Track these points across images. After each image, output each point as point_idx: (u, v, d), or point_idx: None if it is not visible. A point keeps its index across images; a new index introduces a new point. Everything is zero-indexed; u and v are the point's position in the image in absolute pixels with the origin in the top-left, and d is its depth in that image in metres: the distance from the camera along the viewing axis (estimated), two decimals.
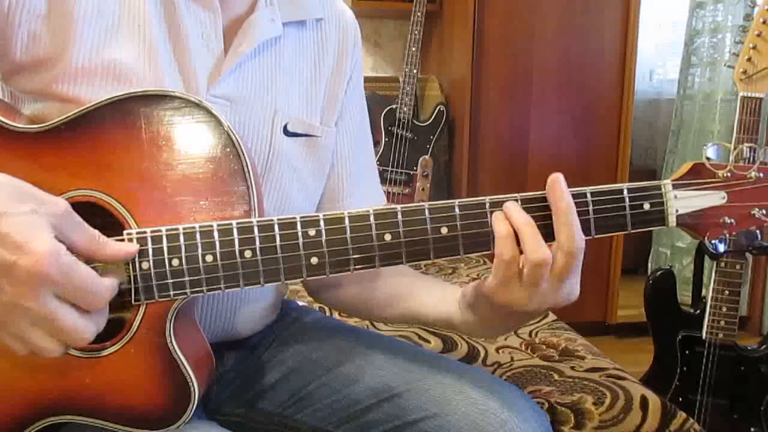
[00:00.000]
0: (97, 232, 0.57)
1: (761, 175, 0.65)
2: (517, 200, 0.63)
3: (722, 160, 0.66)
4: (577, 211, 0.63)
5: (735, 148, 0.65)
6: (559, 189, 0.62)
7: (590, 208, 0.64)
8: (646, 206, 0.65)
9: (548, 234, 0.62)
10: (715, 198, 0.65)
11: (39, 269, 0.50)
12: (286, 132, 0.78)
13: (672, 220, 0.65)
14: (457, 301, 0.74)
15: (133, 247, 0.59)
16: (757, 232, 0.65)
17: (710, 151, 0.66)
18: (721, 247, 0.66)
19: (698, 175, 0.65)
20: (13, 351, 0.54)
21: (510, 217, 0.62)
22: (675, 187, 0.65)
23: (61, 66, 0.67)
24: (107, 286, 0.55)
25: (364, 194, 0.90)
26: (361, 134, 0.90)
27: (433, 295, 0.79)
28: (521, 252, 0.61)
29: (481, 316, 0.70)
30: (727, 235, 0.65)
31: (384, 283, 0.84)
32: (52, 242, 0.51)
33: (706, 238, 0.65)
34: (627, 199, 0.64)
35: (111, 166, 0.62)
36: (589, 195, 0.64)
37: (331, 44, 0.84)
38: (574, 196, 0.63)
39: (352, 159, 0.88)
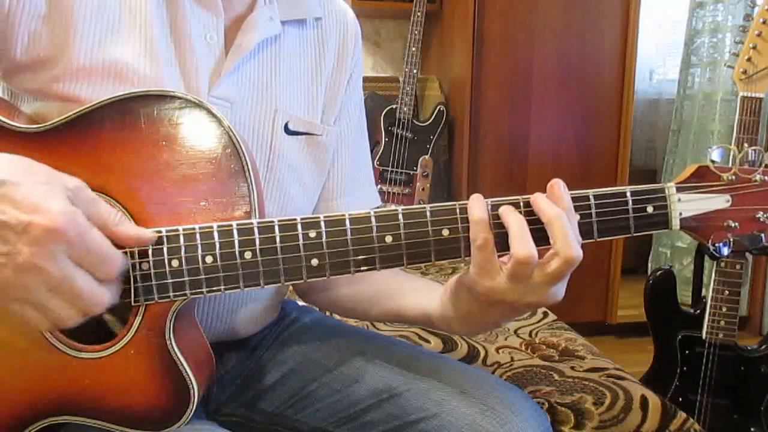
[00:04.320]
0: (114, 210, 0.57)
1: (766, 178, 0.65)
2: (518, 203, 0.63)
3: (726, 162, 0.66)
4: (580, 214, 0.63)
5: (740, 151, 0.65)
6: (542, 201, 0.62)
7: (593, 211, 0.64)
8: (650, 209, 0.65)
9: (543, 237, 0.62)
10: (719, 201, 0.65)
11: (55, 227, 0.50)
12: (287, 131, 0.78)
13: (675, 224, 0.65)
14: (439, 297, 0.73)
15: (149, 235, 0.59)
16: (761, 235, 0.65)
17: (715, 154, 0.66)
18: (725, 251, 0.65)
19: (702, 178, 0.65)
20: (30, 325, 0.54)
21: (503, 218, 0.62)
22: (679, 190, 0.65)
23: (61, 65, 0.67)
24: (121, 255, 0.55)
25: (360, 195, 0.90)
26: (359, 134, 0.90)
27: (416, 292, 0.79)
28: (509, 249, 0.61)
29: (462, 308, 0.69)
30: (731, 238, 0.65)
31: (371, 283, 0.84)
32: (67, 204, 0.52)
33: (709, 241, 0.65)
34: (630, 202, 0.64)
35: (111, 166, 0.61)
36: (592, 198, 0.64)
37: (331, 43, 0.84)
38: (577, 199, 0.63)
39: (349, 159, 0.88)
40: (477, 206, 0.62)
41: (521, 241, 0.60)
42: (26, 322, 0.54)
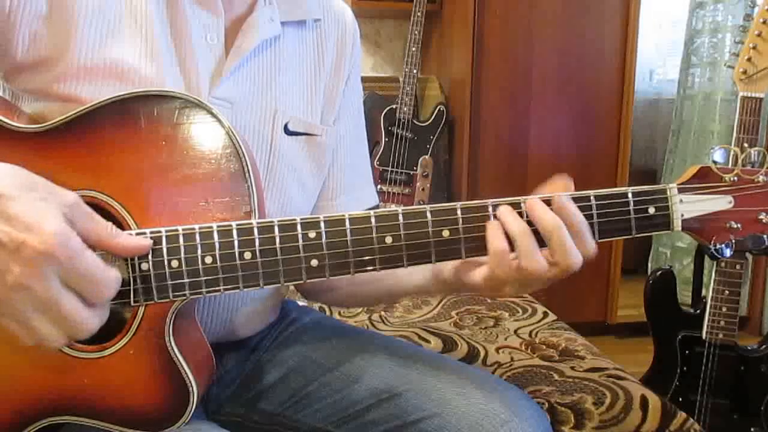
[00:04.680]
0: (109, 223, 0.57)
1: None
2: (519, 204, 0.63)
3: (728, 163, 0.66)
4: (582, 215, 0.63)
5: (743, 152, 0.65)
6: (540, 210, 0.62)
7: (594, 212, 0.64)
8: (651, 210, 0.64)
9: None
10: (721, 202, 0.65)
11: (46, 249, 0.50)
12: (287, 131, 0.78)
13: (677, 225, 0.65)
14: (426, 278, 0.76)
15: (146, 242, 0.59)
16: (764, 236, 0.65)
17: (717, 155, 0.66)
18: (728, 252, 0.65)
19: (705, 179, 0.65)
20: (17, 340, 0.53)
21: (505, 225, 0.62)
22: (681, 191, 0.65)
23: (62, 65, 0.67)
24: (114, 277, 0.55)
25: (359, 194, 0.90)
26: (357, 135, 0.91)
27: (412, 275, 0.80)
28: (515, 257, 0.63)
29: (454, 290, 0.74)
30: (733, 240, 0.65)
31: (371, 282, 0.84)
32: (61, 225, 0.51)
33: (712, 242, 0.65)
34: (632, 203, 0.64)
35: (111, 166, 0.61)
36: (593, 199, 0.64)
37: (330, 44, 0.84)
38: (578, 199, 0.63)
39: (348, 158, 0.88)
40: (496, 237, 0.62)
41: (531, 255, 0.62)
42: (13, 336, 0.53)
